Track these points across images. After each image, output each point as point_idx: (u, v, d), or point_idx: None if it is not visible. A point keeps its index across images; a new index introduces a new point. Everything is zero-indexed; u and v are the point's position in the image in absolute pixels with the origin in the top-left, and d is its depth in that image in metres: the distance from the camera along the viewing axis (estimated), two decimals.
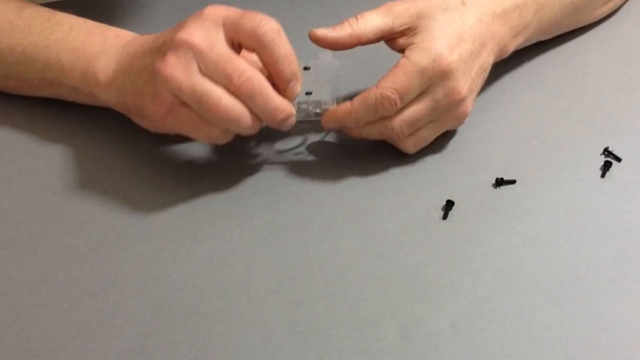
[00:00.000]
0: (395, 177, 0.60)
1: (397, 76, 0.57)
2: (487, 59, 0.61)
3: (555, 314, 0.51)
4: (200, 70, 0.54)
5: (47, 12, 0.65)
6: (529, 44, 0.68)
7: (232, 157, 0.61)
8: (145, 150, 0.62)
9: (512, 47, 0.65)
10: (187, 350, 0.49)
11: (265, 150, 0.62)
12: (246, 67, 0.54)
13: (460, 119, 0.61)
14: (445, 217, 0.57)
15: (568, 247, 0.55)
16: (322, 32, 0.59)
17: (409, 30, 0.60)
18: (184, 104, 0.55)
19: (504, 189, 0.59)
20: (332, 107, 0.59)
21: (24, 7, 0.65)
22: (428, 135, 0.60)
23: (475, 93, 0.61)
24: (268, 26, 0.55)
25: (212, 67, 0.54)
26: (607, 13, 0.74)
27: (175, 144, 0.63)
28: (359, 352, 0.49)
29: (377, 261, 0.54)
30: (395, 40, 0.60)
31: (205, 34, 0.54)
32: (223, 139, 0.57)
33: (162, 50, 0.55)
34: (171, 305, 0.52)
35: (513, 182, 0.59)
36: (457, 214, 0.57)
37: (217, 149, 0.62)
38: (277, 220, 0.57)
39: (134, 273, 0.54)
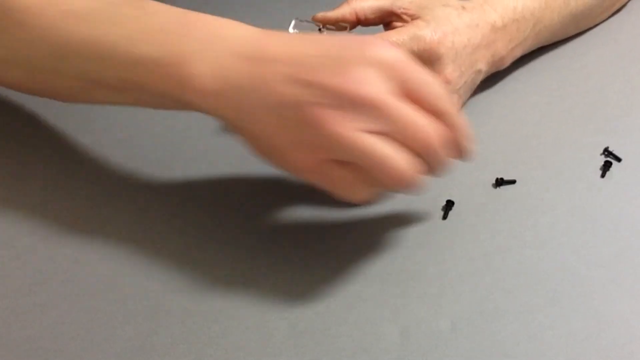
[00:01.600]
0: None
1: (388, 34, 0.58)
2: (479, 63, 0.61)
3: (555, 314, 0.51)
4: (373, 128, 0.46)
5: (136, 1, 0.53)
6: (527, 52, 0.68)
7: (232, 158, 0.61)
8: (145, 150, 0.62)
9: (509, 60, 0.65)
10: (187, 350, 0.49)
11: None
12: (424, 122, 0.48)
13: None
14: (445, 217, 0.57)
15: (568, 247, 0.55)
16: (322, 13, 0.60)
17: (407, 16, 0.60)
18: (341, 162, 0.48)
19: (504, 189, 0.59)
20: None
21: None
22: None
23: (462, 91, 0.61)
24: (448, 104, 0.49)
25: (391, 126, 0.47)
26: (605, 17, 0.74)
27: (176, 144, 0.63)
28: (359, 352, 0.49)
29: (377, 261, 0.54)
30: (392, 25, 0.61)
31: (380, 86, 0.46)
32: (374, 199, 0.51)
33: (326, 96, 0.46)
34: (171, 305, 0.52)
35: (513, 182, 0.59)
36: (457, 214, 0.57)
37: (217, 149, 0.62)
38: (277, 220, 0.57)
39: (133, 273, 0.54)
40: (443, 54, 0.58)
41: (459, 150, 0.50)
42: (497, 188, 0.59)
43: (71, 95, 0.56)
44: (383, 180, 0.47)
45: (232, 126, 0.51)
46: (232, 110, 0.49)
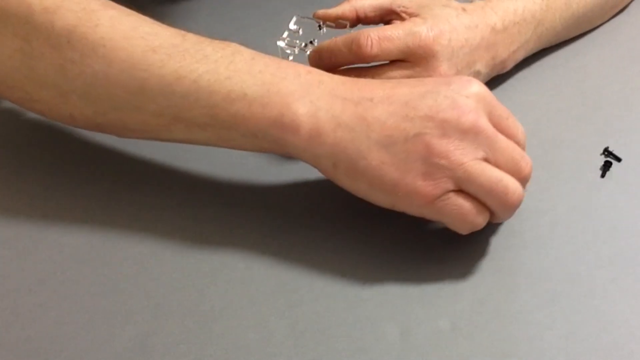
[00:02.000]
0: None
1: (384, 29, 0.58)
2: (477, 64, 0.61)
3: (555, 314, 0.51)
4: (486, 157, 0.50)
5: (216, 40, 0.52)
6: (529, 54, 0.68)
7: (232, 158, 0.61)
8: (145, 150, 0.62)
9: (511, 62, 0.65)
10: (187, 350, 0.49)
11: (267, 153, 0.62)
12: (522, 152, 0.52)
13: None
14: None
15: (568, 247, 0.55)
16: (323, 10, 0.60)
17: (406, 14, 0.60)
18: (461, 192, 0.50)
19: None
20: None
21: (185, 33, 0.53)
22: None
23: None
24: (524, 137, 0.54)
25: (501, 153, 0.50)
26: (607, 19, 0.74)
27: (176, 144, 0.63)
28: (359, 352, 0.49)
29: (377, 261, 0.54)
30: (392, 23, 0.61)
31: (485, 117, 0.50)
32: (484, 222, 0.52)
33: (441, 128, 0.48)
34: (171, 305, 0.52)
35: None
36: None
37: (217, 149, 0.62)
38: (277, 220, 0.57)
39: (134, 273, 0.54)
40: (438, 51, 0.58)
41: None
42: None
43: (145, 131, 0.54)
44: (501, 207, 0.50)
45: (333, 168, 0.51)
46: (340, 150, 0.50)
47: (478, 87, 0.51)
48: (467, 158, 0.49)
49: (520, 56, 0.66)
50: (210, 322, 0.51)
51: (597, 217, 0.57)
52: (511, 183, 0.50)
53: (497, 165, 0.50)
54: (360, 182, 0.50)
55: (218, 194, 0.59)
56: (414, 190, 0.49)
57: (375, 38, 0.57)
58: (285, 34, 0.60)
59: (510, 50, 0.64)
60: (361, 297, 0.52)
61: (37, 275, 0.54)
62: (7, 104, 0.66)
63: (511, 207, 0.51)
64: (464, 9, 0.61)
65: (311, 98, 0.50)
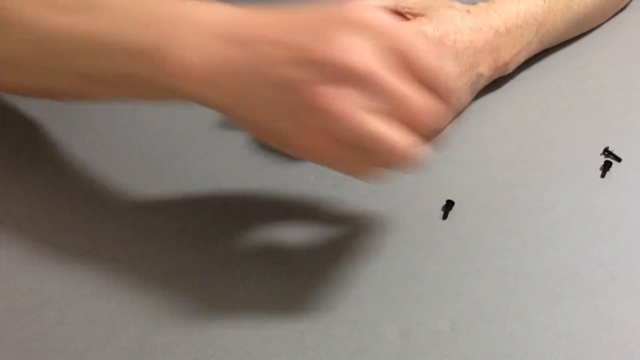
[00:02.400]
0: (396, 177, 0.60)
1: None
2: (480, 67, 0.61)
3: (555, 314, 0.51)
4: (367, 104, 0.44)
5: None
6: (531, 56, 0.68)
7: (232, 158, 0.61)
8: (145, 150, 0.62)
9: (513, 65, 0.65)
10: (187, 350, 0.49)
11: (265, 152, 0.62)
12: (418, 98, 0.45)
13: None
14: (445, 217, 0.57)
15: (568, 247, 0.55)
16: None
17: (411, 15, 0.60)
18: (346, 143, 0.46)
19: (504, 189, 0.59)
20: None
21: None
22: None
23: (462, 92, 0.61)
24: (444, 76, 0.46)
25: (392, 102, 0.44)
26: (606, 19, 0.74)
27: (176, 143, 0.63)
28: (359, 352, 0.49)
29: (377, 261, 0.54)
30: None
31: (371, 55, 0.44)
32: (383, 177, 0.49)
33: (319, 72, 0.44)
34: (171, 305, 0.52)
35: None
36: (457, 214, 0.57)
37: (217, 150, 0.62)
38: (277, 220, 0.57)
39: (134, 273, 0.54)
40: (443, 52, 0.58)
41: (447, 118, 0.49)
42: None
43: (68, 94, 0.54)
44: (385, 160, 0.46)
45: (228, 115, 0.49)
46: (228, 98, 0.47)
47: (376, 22, 0.45)
48: (349, 108, 0.44)
49: (522, 58, 0.66)
50: (210, 322, 0.51)
51: (597, 217, 0.57)
52: (398, 137, 0.45)
53: (385, 115, 0.45)
54: (247, 125, 0.49)
55: (218, 194, 0.59)
56: (300, 141, 0.47)
57: None
58: None
59: (512, 53, 0.64)
60: (361, 297, 0.52)
61: (37, 275, 0.54)
62: (7, 104, 0.66)
63: (397, 163, 0.46)
64: (468, 11, 0.61)
65: (197, 44, 0.46)
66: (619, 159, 0.61)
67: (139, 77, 0.49)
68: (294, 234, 0.56)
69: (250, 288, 0.53)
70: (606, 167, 0.60)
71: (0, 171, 0.61)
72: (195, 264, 0.54)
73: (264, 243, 0.56)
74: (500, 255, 0.54)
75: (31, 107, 0.66)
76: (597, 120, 0.65)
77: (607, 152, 0.61)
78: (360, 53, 0.44)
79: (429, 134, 0.46)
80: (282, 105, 0.45)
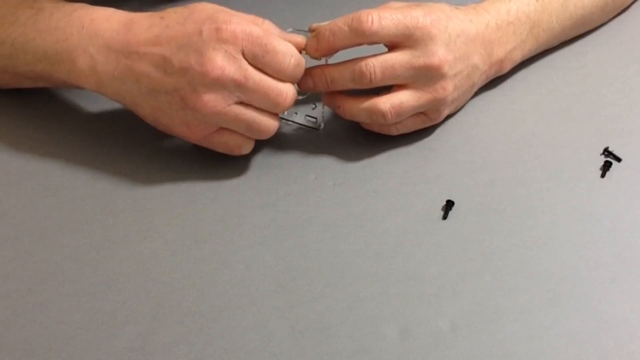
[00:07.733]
0: (395, 177, 0.60)
1: (384, 10, 0.58)
2: (474, 57, 0.61)
3: (555, 314, 0.51)
4: (237, 100, 0.56)
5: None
6: (529, 56, 0.68)
7: (232, 158, 0.61)
8: (145, 151, 0.62)
9: (508, 63, 0.65)
10: (187, 350, 0.49)
11: (265, 152, 0.62)
12: (281, 87, 0.56)
13: (440, 101, 0.60)
14: (445, 217, 0.57)
15: (568, 247, 0.55)
16: (317, 24, 0.61)
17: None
18: (224, 128, 0.58)
19: (504, 189, 0.59)
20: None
21: None
22: (407, 105, 0.59)
23: (458, 81, 0.61)
24: (292, 65, 0.56)
25: (254, 94, 0.56)
26: (606, 20, 0.74)
27: (176, 144, 0.63)
28: (359, 352, 0.49)
29: (377, 261, 0.54)
30: None
31: (233, 64, 0.55)
32: (249, 150, 0.60)
33: (192, 84, 0.55)
34: (171, 305, 0.52)
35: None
36: (457, 214, 0.57)
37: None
38: (277, 220, 0.57)
39: (134, 273, 0.54)
40: (436, 35, 0.58)
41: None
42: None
43: (4, 84, 0.65)
44: (255, 136, 0.58)
45: (131, 109, 0.59)
46: (114, 96, 0.58)
47: (228, 33, 0.55)
48: (220, 106, 0.55)
49: (517, 57, 0.66)
50: (210, 322, 0.51)
51: (597, 217, 0.57)
52: (264, 120, 0.57)
53: (251, 104, 0.56)
54: (140, 115, 0.59)
55: (218, 194, 0.59)
56: (183, 134, 0.58)
57: (376, 15, 0.57)
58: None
59: (506, 50, 0.64)
60: (361, 297, 0.52)
61: (37, 275, 0.54)
62: (7, 104, 0.66)
63: (262, 135, 0.58)
64: (457, 8, 0.62)
65: (91, 52, 0.58)
66: (619, 159, 0.61)
67: (56, 77, 0.60)
68: (293, 234, 0.56)
69: (250, 288, 0.53)
70: (606, 167, 0.60)
71: (0, 171, 0.61)
72: (195, 263, 0.54)
73: (263, 243, 0.56)
74: (500, 255, 0.55)
75: (31, 107, 0.66)
76: (597, 120, 0.65)
77: (607, 152, 0.61)
78: (228, 65, 0.54)
79: (281, 104, 0.57)
80: (161, 104, 0.56)
